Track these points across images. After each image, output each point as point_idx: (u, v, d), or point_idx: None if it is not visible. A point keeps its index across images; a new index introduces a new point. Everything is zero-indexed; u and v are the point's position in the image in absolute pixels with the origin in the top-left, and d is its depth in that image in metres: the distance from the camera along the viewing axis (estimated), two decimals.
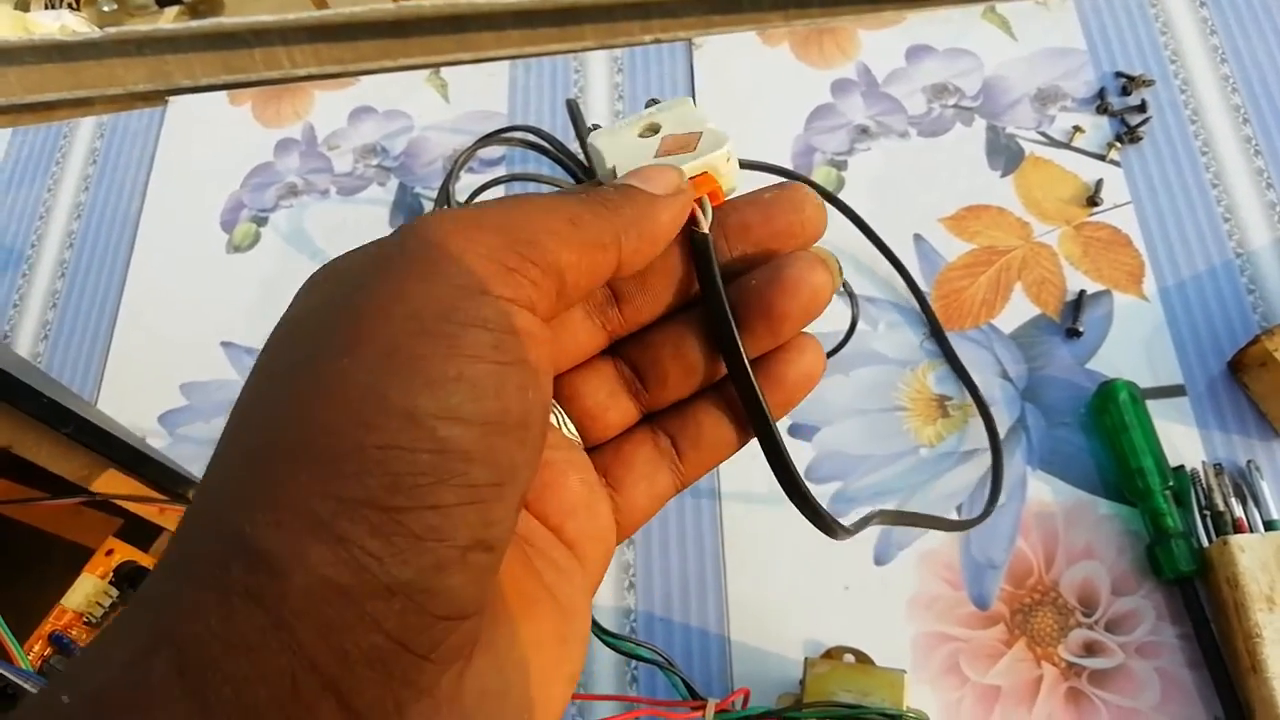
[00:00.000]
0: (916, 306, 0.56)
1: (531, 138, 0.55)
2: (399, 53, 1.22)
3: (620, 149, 0.27)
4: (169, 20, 2.06)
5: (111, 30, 1.11)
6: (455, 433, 0.18)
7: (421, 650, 0.17)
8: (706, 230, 0.25)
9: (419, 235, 0.20)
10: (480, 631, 0.19)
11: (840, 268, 0.27)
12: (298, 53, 1.23)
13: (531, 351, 0.20)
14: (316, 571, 0.16)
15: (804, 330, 0.26)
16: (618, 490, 0.26)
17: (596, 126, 0.57)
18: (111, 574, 0.44)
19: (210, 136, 0.68)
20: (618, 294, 0.26)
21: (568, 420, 0.26)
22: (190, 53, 1.22)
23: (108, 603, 0.44)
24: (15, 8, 1.92)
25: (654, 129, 0.28)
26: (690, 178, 0.26)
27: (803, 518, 0.28)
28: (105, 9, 1.95)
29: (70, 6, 1.86)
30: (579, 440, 0.26)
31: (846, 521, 0.29)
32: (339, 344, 0.18)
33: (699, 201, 0.26)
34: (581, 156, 0.55)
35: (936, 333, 0.54)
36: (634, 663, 0.49)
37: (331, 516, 0.17)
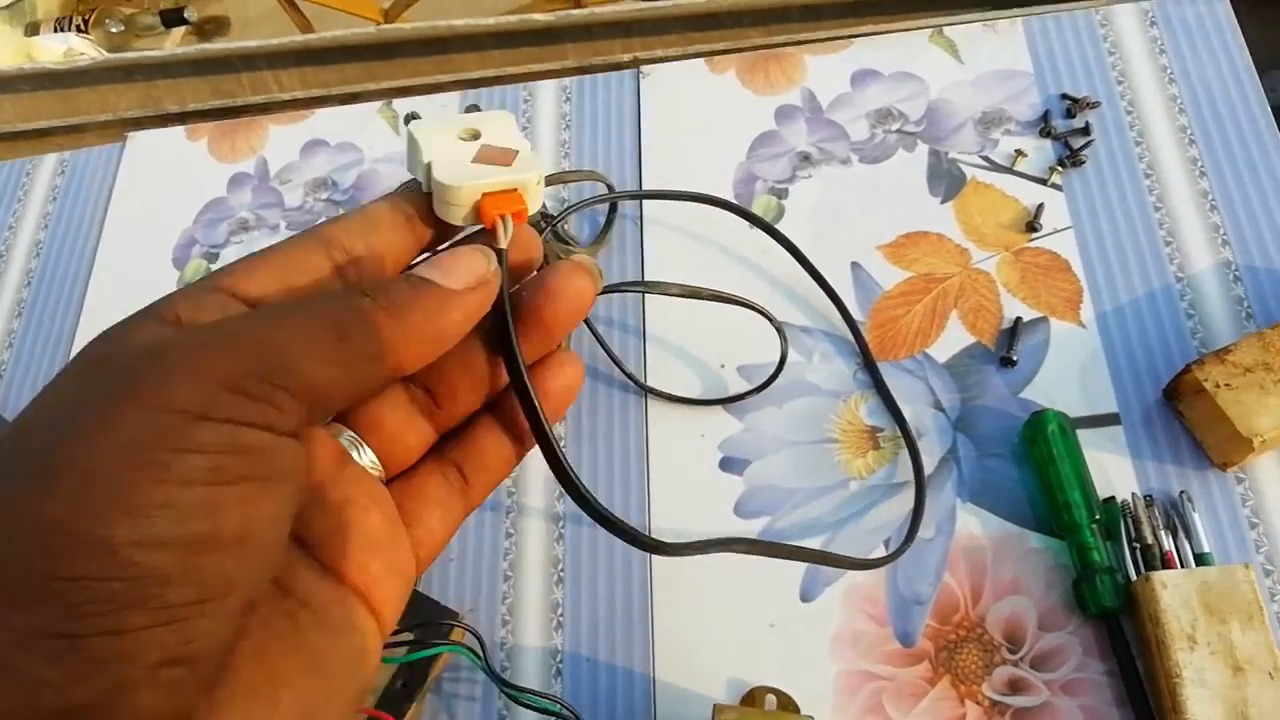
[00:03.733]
0: (850, 337, 0.55)
1: None
2: (383, 75, 1.23)
3: (438, 147, 0.27)
4: (176, 41, 2.09)
5: (99, 58, 1.13)
6: (154, 558, 0.18)
7: None
8: (504, 246, 0.26)
9: (155, 357, 0.20)
10: None
11: (601, 272, 0.28)
12: (284, 76, 1.25)
13: (262, 468, 0.20)
14: None
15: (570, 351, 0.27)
16: (414, 525, 0.26)
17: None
18: None
19: (167, 172, 0.69)
20: None
21: (368, 451, 0.26)
22: (179, 78, 1.24)
23: None
24: (26, 32, 1.96)
25: (474, 134, 0.28)
26: (502, 191, 0.26)
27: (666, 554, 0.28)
28: (113, 30, 1.99)
29: (78, 29, 1.90)
30: (380, 471, 0.26)
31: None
32: (38, 472, 0.19)
33: (501, 217, 0.26)
34: None
35: (869, 363, 0.54)
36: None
37: (2, 647, 0.17)
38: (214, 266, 0.65)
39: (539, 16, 1.14)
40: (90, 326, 0.64)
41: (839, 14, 0.97)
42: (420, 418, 0.27)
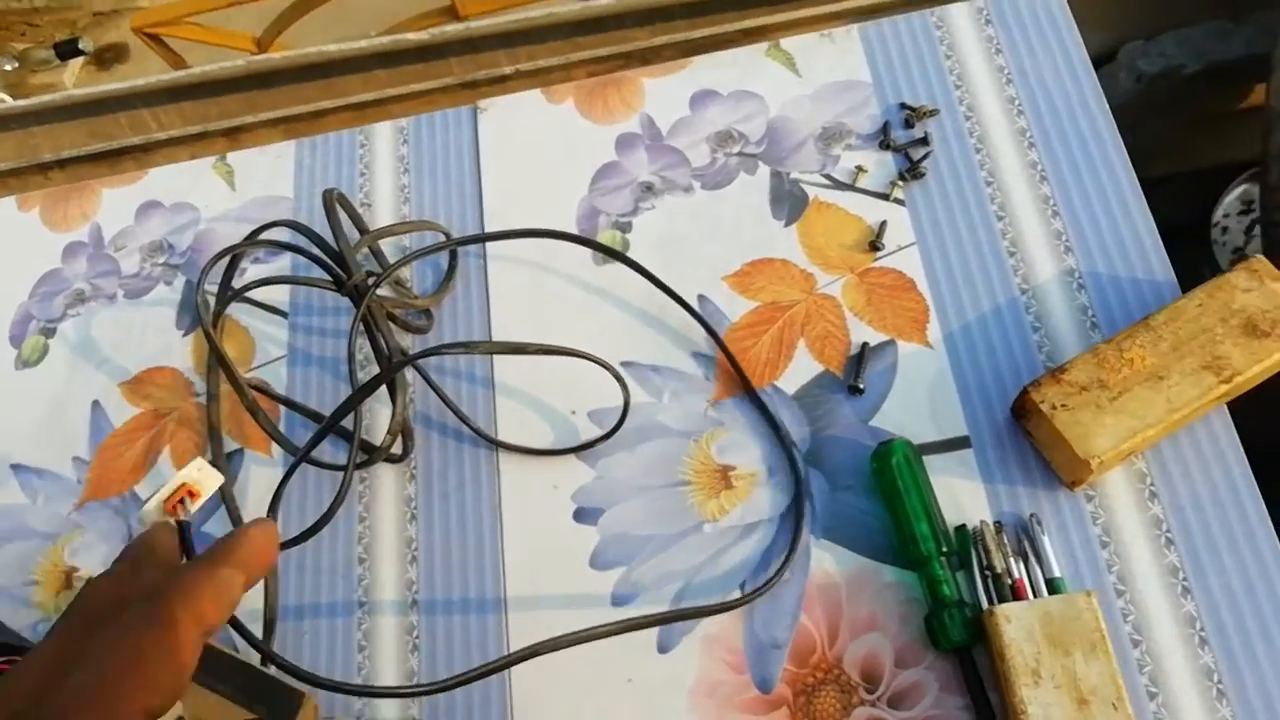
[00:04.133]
0: (700, 372, 0.54)
1: (287, 236, 0.54)
2: (264, 104, 1.20)
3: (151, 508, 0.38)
4: (74, 74, 2.03)
5: None
6: None
7: None
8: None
9: None
10: None
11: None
12: (162, 114, 1.20)
13: None
14: None
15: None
16: None
17: (360, 219, 0.54)
18: None
19: (0, 245, 0.66)
20: None
21: None
22: (54, 124, 1.20)
23: None
24: None
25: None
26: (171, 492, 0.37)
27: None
28: (6, 68, 1.93)
29: None
30: None
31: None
32: None
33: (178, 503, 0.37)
34: (336, 247, 0.53)
35: (747, 387, 0.52)
36: None
37: None
38: (51, 342, 0.62)
39: (413, 36, 1.12)
40: None
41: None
42: None
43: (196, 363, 0.59)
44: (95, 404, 0.59)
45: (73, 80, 2.01)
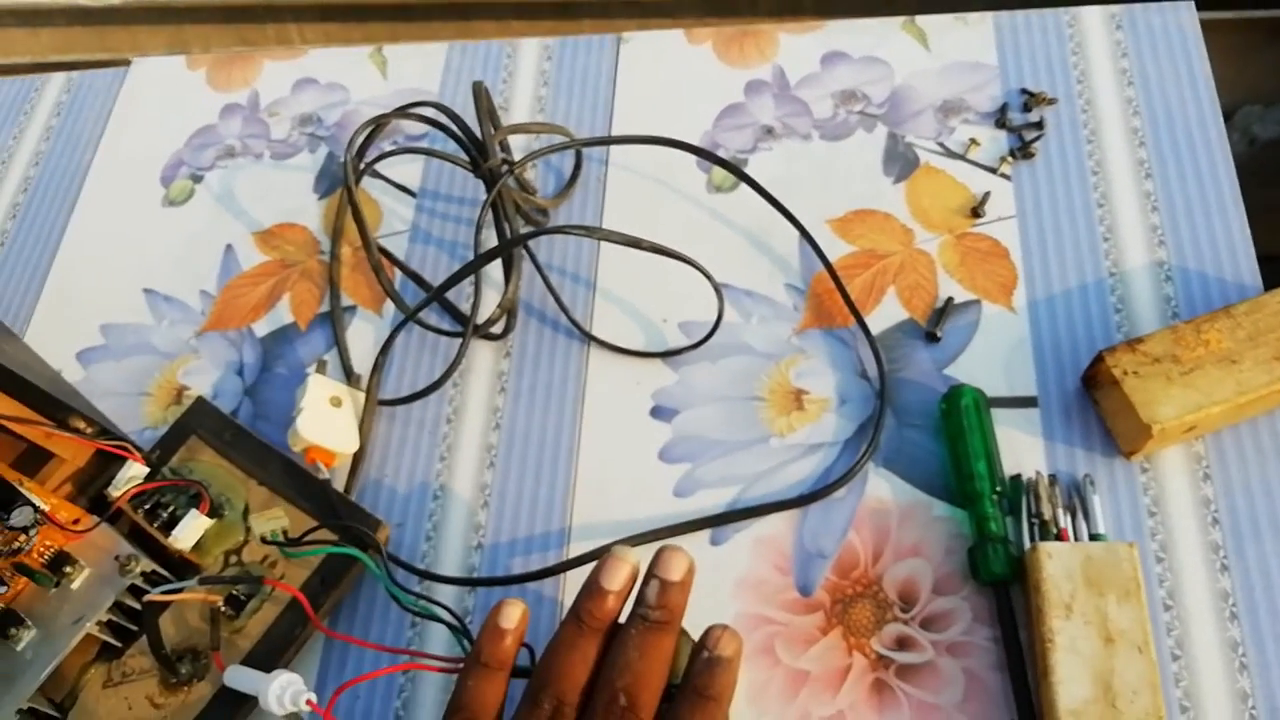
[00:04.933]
0: (790, 303, 0.57)
1: (435, 115, 0.58)
2: (404, 35, 1.26)
3: (312, 399, 0.53)
4: None
5: None
6: None
7: None
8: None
9: None
10: None
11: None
12: (308, 30, 1.28)
13: None
14: None
15: None
16: None
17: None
18: None
19: (165, 97, 0.72)
20: None
21: None
22: (207, 24, 1.28)
23: None
24: None
25: (338, 403, 0.55)
26: (321, 449, 0.52)
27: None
28: None
29: None
30: None
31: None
32: None
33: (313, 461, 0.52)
34: (480, 136, 0.58)
35: (858, 318, 0.55)
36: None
37: None
38: (197, 188, 0.67)
39: None
40: (77, 232, 0.67)
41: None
42: None
43: (325, 225, 0.64)
44: (228, 247, 0.64)
45: None
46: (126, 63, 0.72)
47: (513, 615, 0.42)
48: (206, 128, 0.70)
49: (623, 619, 0.43)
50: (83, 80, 0.74)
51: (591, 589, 0.42)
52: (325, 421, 0.53)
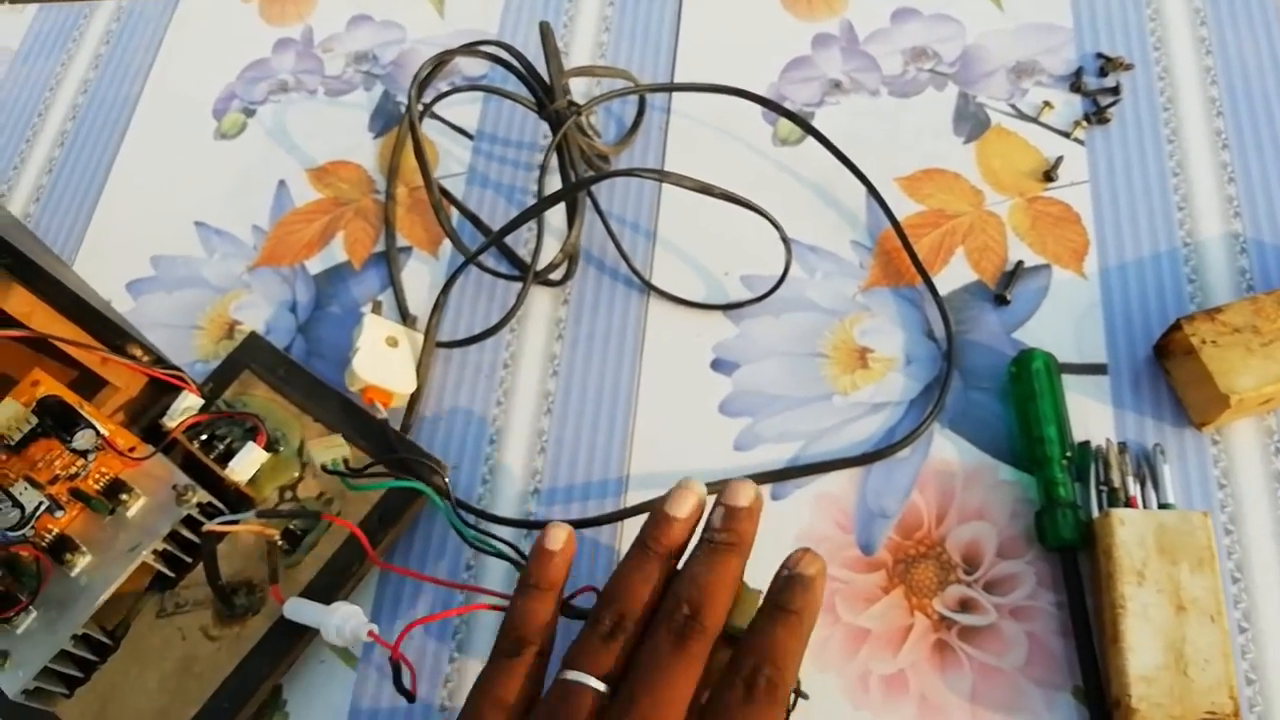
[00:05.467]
0: (856, 260, 0.56)
1: (499, 53, 0.57)
2: None
3: (368, 340, 0.53)
4: None
5: None
6: None
7: None
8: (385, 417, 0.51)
9: None
10: None
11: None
12: None
13: None
14: None
15: None
16: None
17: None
18: (35, 404, 0.47)
19: (216, 29, 0.71)
20: None
21: None
22: None
23: (25, 429, 0.47)
24: None
25: (394, 343, 0.54)
26: (379, 389, 0.52)
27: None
28: None
29: None
30: None
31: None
32: None
33: (371, 401, 0.52)
34: (547, 78, 0.57)
35: (926, 279, 0.54)
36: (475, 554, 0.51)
37: None
38: (250, 121, 0.66)
39: None
40: (126, 162, 0.66)
41: None
42: None
43: (380, 164, 0.63)
44: (281, 183, 0.63)
45: None
46: None
47: (559, 537, 0.42)
48: (259, 61, 0.69)
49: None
50: (132, 8, 0.73)
51: (657, 517, 0.42)
52: (382, 362, 0.53)
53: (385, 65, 0.67)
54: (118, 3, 0.73)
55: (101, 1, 0.74)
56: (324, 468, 0.47)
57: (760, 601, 0.42)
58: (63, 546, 0.47)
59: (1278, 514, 0.48)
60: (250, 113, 0.67)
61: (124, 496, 0.48)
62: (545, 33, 0.57)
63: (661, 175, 0.50)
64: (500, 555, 0.45)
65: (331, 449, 0.47)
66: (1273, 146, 0.56)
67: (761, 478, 0.51)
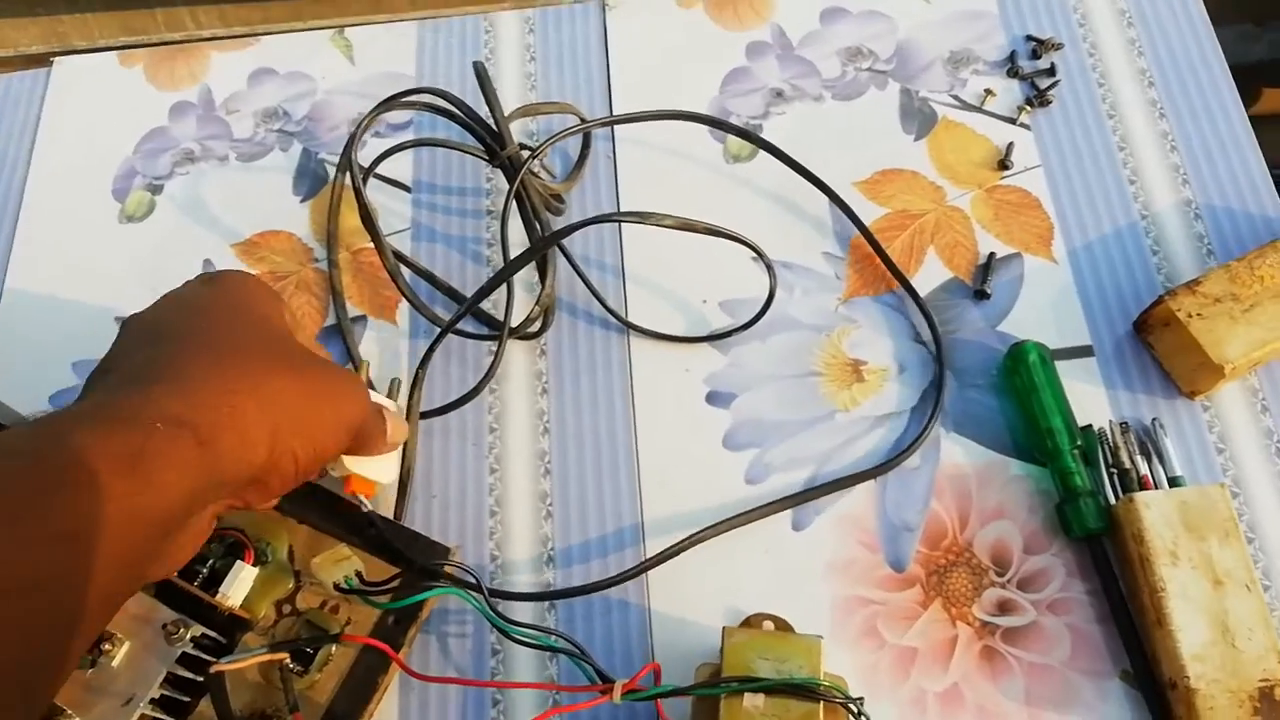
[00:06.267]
0: (831, 271, 0.56)
1: (439, 101, 0.54)
2: (310, 14, 1.18)
3: None
4: None
5: None
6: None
7: None
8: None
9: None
10: None
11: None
12: (201, 13, 1.18)
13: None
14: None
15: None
16: None
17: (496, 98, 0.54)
18: None
19: (100, 100, 0.65)
20: None
21: None
22: (86, 12, 1.16)
23: None
24: None
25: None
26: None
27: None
28: None
29: None
30: None
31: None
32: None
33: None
34: (490, 121, 0.54)
35: (904, 283, 0.54)
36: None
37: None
38: (158, 199, 0.61)
39: None
40: (23, 261, 0.60)
41: None
42: None
43: (315, 229, 0.59)
44: (206, 262, 0.58)
45: None
46: (45, 63, 0.64)
47: None
48: (156, 130, 0.63)
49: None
50: None
51: None
52: None
53: (299, 121, 0.63)
54: None
55: None
56: (337, 588, 0.44)
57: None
58: (48, 716, 0.42)
59: (1274, 469, 0.49)
60: (157, 189, 0.61)
61: (105, 646, 0.44)
62: (481, 74, 0.53)
63: (642, 217, 0.48)
64: (553, 649, 0.43)
65: (340, 564, 0.44)
66: (1205, 111, 0.58)
67: (778, 505, 0.50)
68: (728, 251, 0.52)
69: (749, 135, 0.56)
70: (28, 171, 0.62)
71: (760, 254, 0.51)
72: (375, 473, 0.48)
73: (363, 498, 0.47)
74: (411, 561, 0.47)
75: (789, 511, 0.50)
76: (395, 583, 0.45)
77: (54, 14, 1.10)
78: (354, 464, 0.47)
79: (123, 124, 0.63)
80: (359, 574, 0.44)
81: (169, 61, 0.65)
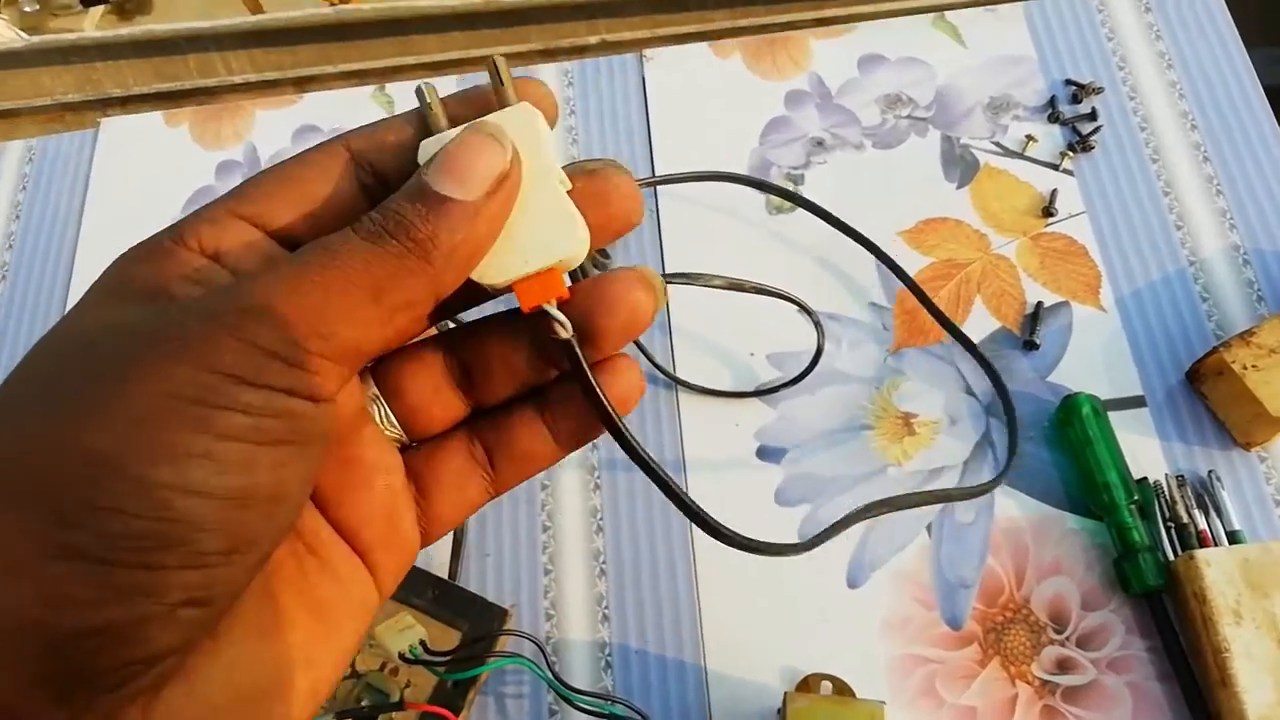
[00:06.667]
0: (878, 322, 0.56)
1: None
2: (339, 57, 1.19)
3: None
4: (94, 21, 1.98)
5: (35, 39, 1.06)
6: (192, 505, 0.19)
7: (106, 687, 0.19)
8: (569, 336, 0.24)
9: (201, 316, 0.20)
10: (177, 669, 0.21)
11: (665, 287, 0.27)
12: (233, 59, 1.19)
13: (298, 432, 0.21)
14: (15, 608, 0.18)
15: (624, 353, 0.27)
16: (425, 497, 0.26)
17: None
18: None
19: (147, 159, 0.65)
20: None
21: (390, 414, 0.26)
22: (120, 60, 1.18)
23: None
24: None
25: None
26: (534, 275, 0.24)
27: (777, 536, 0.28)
28: (27, 9, 1.87)
29: None
30: (400, 436, 0.26)
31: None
32: (84, 407, 0.19)
33: (549, 313, 0.24)
34: None
35: (959, 337, 0.53)
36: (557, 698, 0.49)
37: (42, 559, 0.18)
38: None
39: None
40: None
41: None
42: (451, 390, 0.26)
43: None
44: None
45: (92, 27, 1.96)
46: (82, 111, 0.65)
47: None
48: (204, 189, 0.64)
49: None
50: (45, 147, 0.67)
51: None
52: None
53: None
54: (26, 143, 0.67)
55: (6, 142, 0.67)
56: (401, 657, 0.44)
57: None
58: None
59: None
60: None
61: None
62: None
63: (690, 279, 0.48)
64: (616, 716, 0.43)
65: (404, 633, 0.44)
66: (1249, 153, 0.58)
67: (822, 535, 0.50)
68: (773, 303, 0.52)
69: (789, 195, 0.56)
70: (79, 230, 0.63)
71: (809, 311, 0.52)
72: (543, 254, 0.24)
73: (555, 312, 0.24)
74: (473, 630, 0.47)
75: (843, 570, 0.50)
76: (460, 654, 0.45)
77: (89, 61, 1.11)
78: (497, 270, 0.24)
79: (171, 183, 0.64)
80: (423, 642, 0.45)
81: (214, 121, 0.66)
